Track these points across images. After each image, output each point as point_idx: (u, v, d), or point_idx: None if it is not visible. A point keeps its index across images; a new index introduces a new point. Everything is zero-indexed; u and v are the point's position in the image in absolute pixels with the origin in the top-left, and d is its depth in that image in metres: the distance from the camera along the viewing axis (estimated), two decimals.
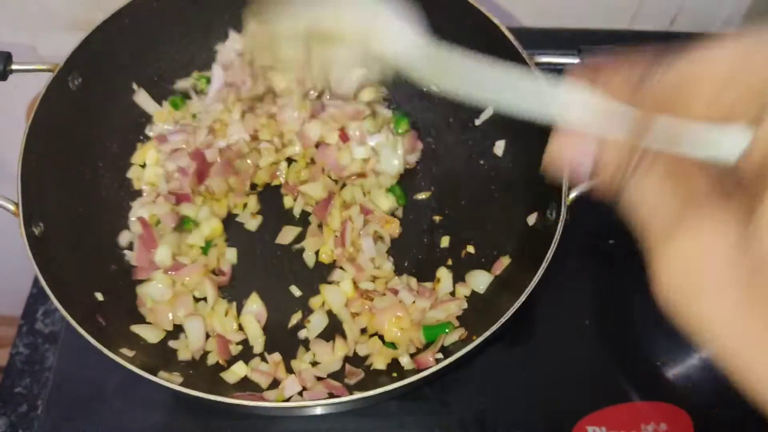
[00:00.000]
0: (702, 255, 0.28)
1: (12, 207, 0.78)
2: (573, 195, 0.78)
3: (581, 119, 0.35)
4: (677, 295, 0.29)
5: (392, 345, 0.87)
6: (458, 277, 0.93)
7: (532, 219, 0.89)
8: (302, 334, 0.90)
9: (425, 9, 0.48)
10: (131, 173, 0.98)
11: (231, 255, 0.95)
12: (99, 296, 0.86)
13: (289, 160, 1.01)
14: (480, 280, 0.91)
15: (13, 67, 0.86)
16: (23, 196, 0.79)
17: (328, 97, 1.00)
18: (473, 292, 0.91)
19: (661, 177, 0.32)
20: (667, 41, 1.17)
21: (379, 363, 0.85)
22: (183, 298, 0.89)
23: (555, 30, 1.22)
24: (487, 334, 0.72)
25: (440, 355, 0.82)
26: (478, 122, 1.01)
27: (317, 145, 1.00)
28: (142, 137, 1.01)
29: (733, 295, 0.26)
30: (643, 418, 0.88)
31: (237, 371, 0.85)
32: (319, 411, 0.76)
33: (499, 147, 0.98)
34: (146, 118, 1.02)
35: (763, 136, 0.26)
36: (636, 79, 0.32)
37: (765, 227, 0.25)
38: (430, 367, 0.73)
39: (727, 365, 0.27)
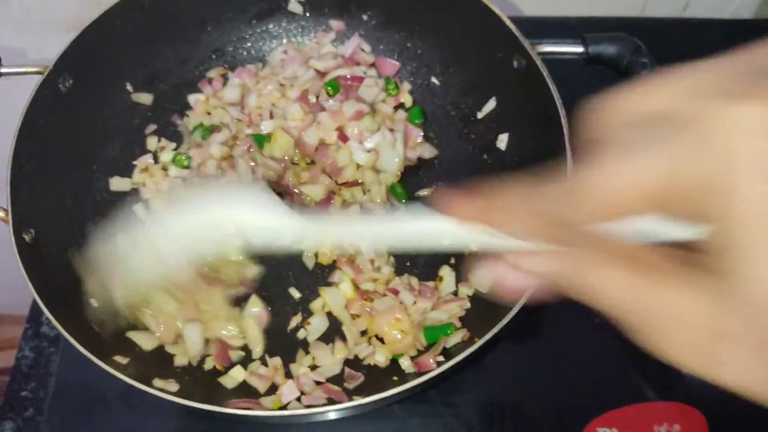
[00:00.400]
0: (692, 323, 0.29)
1: (1, 213, 0.77)
2: None
3: (490, 245, 0.36)
4: (688, 363, 0.29)
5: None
6: (461, 277, 0.90)
7: None
8: (301, 334, 0.88)
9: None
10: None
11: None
12: (94, 302, 0.85)
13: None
14: (484, 279, 0.88)
15: (2, 69, 0.85)
16: (13, 202, 0.78)
17: (326, 99, 0.98)
18: (476, 292, 0.88)
19: (610, 268, 0.31)
20: (679, 28, 1.16)
21: (380, 356, 0.83)
22: (188, 307, 0.87)
23: (561, 18, 1.19)
24: (488, 336, 0.70)
25: (441, 358, 0.80)
26: (480, 115, 0.98)
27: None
28: (137, 139, 1.00)
29: (747, 355, 0.28)
30: (656, 419, 0.86)
31: (235, 376, 0.83)
32: (317, 418, 0.74)
33: (502, 141, 0.96)
34: (141, 120, 1.00)
35: (695, 220, 0.28)
36: (536, 212, 0.33)
37: (754, 282, 0.26)
38: (431, 370, 0.71)
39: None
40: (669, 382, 0.89)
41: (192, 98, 1.01)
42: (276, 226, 0.49)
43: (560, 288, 0.33)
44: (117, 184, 0.95)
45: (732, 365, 0.28)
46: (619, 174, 0.29)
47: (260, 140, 0.95)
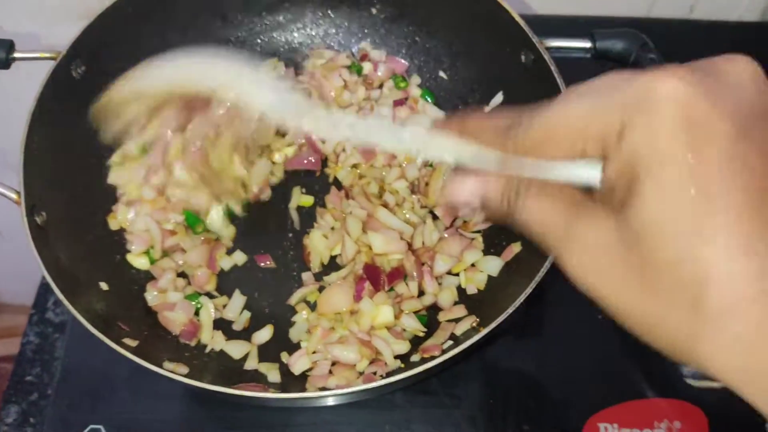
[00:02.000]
0: (594, 246, 0.37)
1: (14, 196, 0.78)
2: None
3: (463, 161, 0.43)
4: (583, 280, 0.37)
5: None
6: None
7: None
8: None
9: None
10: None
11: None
12: (104, 286, 0.86)
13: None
14: (491, 265, 0.89)
15: (16, 55, 0.86)
16: (25, 185, 0.78)
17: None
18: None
19: (542, 197, 0.40)
20: (686, 30, 1.17)
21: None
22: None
23: (569, 17, 1.20)
24: (495, 324, 0.70)
25: (450, 342, 0.81)
26: (487, 109, 0.99)
27: None
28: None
29: (620, 268, 0.35)
30: (657, 416, 0.86)
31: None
32: (321, 402, 0.74)
33: None
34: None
35: (615, 163, 0.35)
36: (503, 129, 0.40)
37: (636, 213, 0.34)
38: (436, 356, 0.72)
39: (619, 318, 0.37)
40: (670, 379, 0.89)
41: None
42: (278, 98, 0.55)
43: (499, 209, 0.42)
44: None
45: (613, 280, 0.36)
46: (566, 114, 0.37)
47: None
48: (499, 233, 0.92)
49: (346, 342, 0.82)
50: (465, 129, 0.43)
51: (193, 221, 0.90)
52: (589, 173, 0.38)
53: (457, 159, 0.43)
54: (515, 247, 0.89)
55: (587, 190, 0.39)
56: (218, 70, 0.60)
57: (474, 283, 0.89)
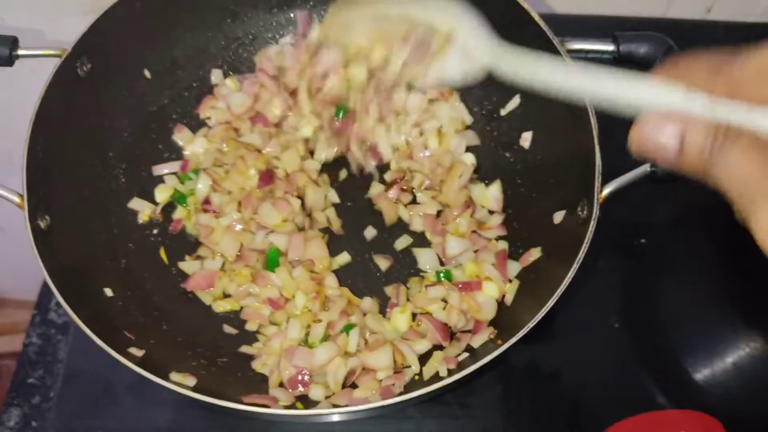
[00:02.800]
0: None
1: (17, 199, 0.76)
2: (606, 191, 0.74)
3: (665, 105, 0.40)
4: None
5: None
6: None
7: (559, 216, 0.84)
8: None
9: None
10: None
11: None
12: (108, 291, 0.84)
13: None
14: (510, 269, 0.87)
15: (20, 51, 0.84)
16: (28, 188, 0.76)
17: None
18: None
19: (749, 150, 0.36)
20: (703, 30, 1.15)
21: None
22: None
23: (586, 17, 1.18)
24: (516, 338, 0.68)
25: (466, 355, 0.79)
26: (503, 112, 0.97)
27: None
28: (154, 125, 0.98)
29: None
30: (674, 427, 0.84)
31: None
32: (332, 418, 0.72)
33: (526, 139, 0.94)
34: (158, 107, 0.99)
35: None
36: (716, 66, 0.37)
37: None
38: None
39: None
40: (687, 390, 0.88)
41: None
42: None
43: (698, 157, 0.38)
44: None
45: None
46: None
47: None
48: (517, 238, 0.91)
49: (378, 347, 0.81)
50: (675, 71, 0.40)
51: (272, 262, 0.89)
52: None
53: (659, 104, 0.40)
54: (534, 253, 0.86)
55: None
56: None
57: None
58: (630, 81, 0.43)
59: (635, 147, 0.41)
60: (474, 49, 0.56)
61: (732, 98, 0.37)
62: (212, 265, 0.89)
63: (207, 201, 0.92)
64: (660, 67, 0.41)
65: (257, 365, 0.83)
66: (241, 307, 0.88)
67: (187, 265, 0.90)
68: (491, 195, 0.93)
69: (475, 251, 0.90)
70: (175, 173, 0.96)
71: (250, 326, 0.87)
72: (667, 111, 0.40)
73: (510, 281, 0.87)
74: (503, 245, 0.90)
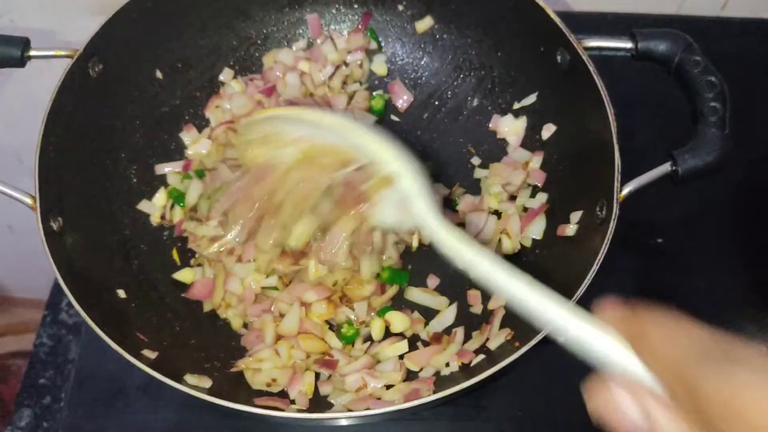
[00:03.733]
0: None
1: (29, 201, 0.75)
2: (626, 191, 0.73)
3: (621, 369, 0.35)
4: None
5: None
6: None
7: (576, 217, 0.83)
8: None
9: None
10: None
11: None
12: (121, 293, 0.83)
13: None
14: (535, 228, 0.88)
15: (32, 53, 0.83)
16: (41, 190, 0.76)
17: None
18: None
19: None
20: (717, 27, 1.14)
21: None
22: None
23: (600, 14, 1.17)
24: (534, 341, 0.67)
25: (482, 356, 0.79)
26: (517, 105, 0.96)
27: None
28: (166, 126, 0.97)
29: None
30: None
31: None
32: (348, 422, 0.72)
33: (546, 133, 0.93)
34: (170, 108, 0.98)
35: None
36: (691, 366, 0.32)
37: None
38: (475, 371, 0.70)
39: None
40: None
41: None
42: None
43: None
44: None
45: None
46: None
47: None
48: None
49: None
50: (638, 335, 0.35)
51: None
52: None
53: (611, 363, 0.36)
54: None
55: None
56: (375, 150, 0.59)
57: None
58: (574, 319, 0.39)
59: (596, 413, 0.36)
60: (413, 203, 0.55)
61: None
62: (210, 273, 0.88)
63: (194, 209, 0.92)
64: (621, 313, 0.37)
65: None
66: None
67: (182, 274, 0.89)
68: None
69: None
70: (178, 172, 0.95)
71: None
72: (624, 378, 0.35)
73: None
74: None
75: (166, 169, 0.95)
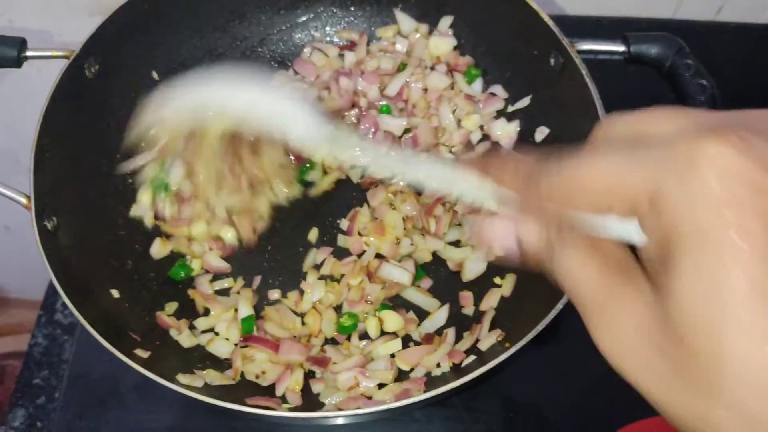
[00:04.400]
0: (627, 325, 0.32)
1: (24, 200, 0.76)
2: None
3: (485, 202, 0.41)
4: (610, 357, 0.33)
5: None
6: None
7: None
8: None
9: None
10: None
11: None
12: (115, 293, 0.83)
13: None
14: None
15: (28, 53, 0.83)
16: (35, 189, 0.76)
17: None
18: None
19: (583, 253, 0.35)
20: (713, 32, 1.14)
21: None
22: None
23: (595, 18, 1.17)
24: (524, 342, 0.68)
25: (472, 358, 0.79)
26: (511, 109, 0.97)
27: None
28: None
29: (650, 351, 0.31)
30: None
31: None
32: (340, 421, 0.72)
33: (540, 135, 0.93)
34: None
35: (649, 231, 0.31)
36: (525, 173, 0.37)
37: (669, 294, 0.30)
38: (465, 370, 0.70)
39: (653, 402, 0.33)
40: None
41: None
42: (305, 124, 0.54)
43: (536, 258, 0.38)
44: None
45: (642, 363, 0.32)
46: (593, 168, 0.33)
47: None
48: None
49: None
50: (486, 170, 0.40)
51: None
52: (627, 232, 0.33)
53: (482, 200, 0.42)
54: None
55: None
56: (244, 98, 0.58)
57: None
58: (447, 170, 0.45)
59: (475, 241, 0.41)
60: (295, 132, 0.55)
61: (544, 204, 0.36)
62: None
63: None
64: (474, 161, 0.43)
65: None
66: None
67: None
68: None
69: None
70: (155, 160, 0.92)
71: None
72: (496, 210, 0.40)
73: None
74: None
75: (140, 162, 0.92)
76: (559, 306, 0.69)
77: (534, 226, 0.37)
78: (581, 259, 0.35)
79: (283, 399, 0.78)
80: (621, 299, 0.33)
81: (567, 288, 0.36)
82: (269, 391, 0.80)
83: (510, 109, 0.97)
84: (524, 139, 0.95)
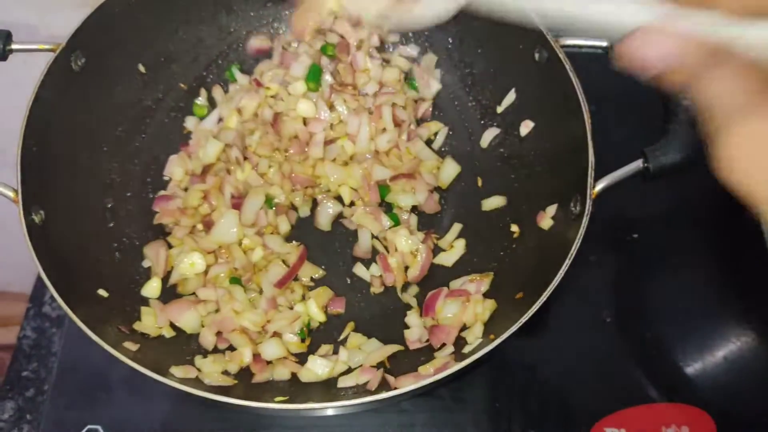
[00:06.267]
0: (759, 139, 0.35)
1: (11, 194, 0.76)
2: (599, 187, 0.74)
3: (651, 21, 0.41)
4: (736, 169, 0.36)
5: None
6: None
7: (551, 211, 0.85)
8: None
9: None
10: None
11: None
12: (102, 287, 0.83)
13: None
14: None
15: (13, 46, 0.83)
16: (23, 183, 0.76)
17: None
18: None
19: (734, 72, 0.38)
20: None
21: None
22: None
23: None
24: (507, 334, 0.69)
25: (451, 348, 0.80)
26: (500, 110, 0.97)
27: None
28: (149, 120, 0.98)
29: None
30: (664, 420, 0.85)
31: None
32: (325, 411, 0.73)
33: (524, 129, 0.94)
34: (152, 101, 0.98)
35: None
36: None
37: None
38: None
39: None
40: (678, 384, 0.89)
41: None
42: None
43: (688, 72, 0.39)
44: None
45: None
46: None
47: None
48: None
49: None
50: None
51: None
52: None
53: (643, 20, 0.41)
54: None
55: None
56: None
57: None
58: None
59: (623, 60, 0.41)
60: None
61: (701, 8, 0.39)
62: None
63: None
64: None
65: None
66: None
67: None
68: None
69: None
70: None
71: None
72: (658, 27, 0.40)
73: None
74: None
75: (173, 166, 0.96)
76: (542, 300, 0.70)
77: (699, 42, 0.39)
78: (730, 76, 0.38)
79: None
80: (762, 112, 0.36)
81: (708, 103, 0.38)
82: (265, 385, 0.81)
83: (500, 110, 0.97)
84: (509, 132, 0.96)
